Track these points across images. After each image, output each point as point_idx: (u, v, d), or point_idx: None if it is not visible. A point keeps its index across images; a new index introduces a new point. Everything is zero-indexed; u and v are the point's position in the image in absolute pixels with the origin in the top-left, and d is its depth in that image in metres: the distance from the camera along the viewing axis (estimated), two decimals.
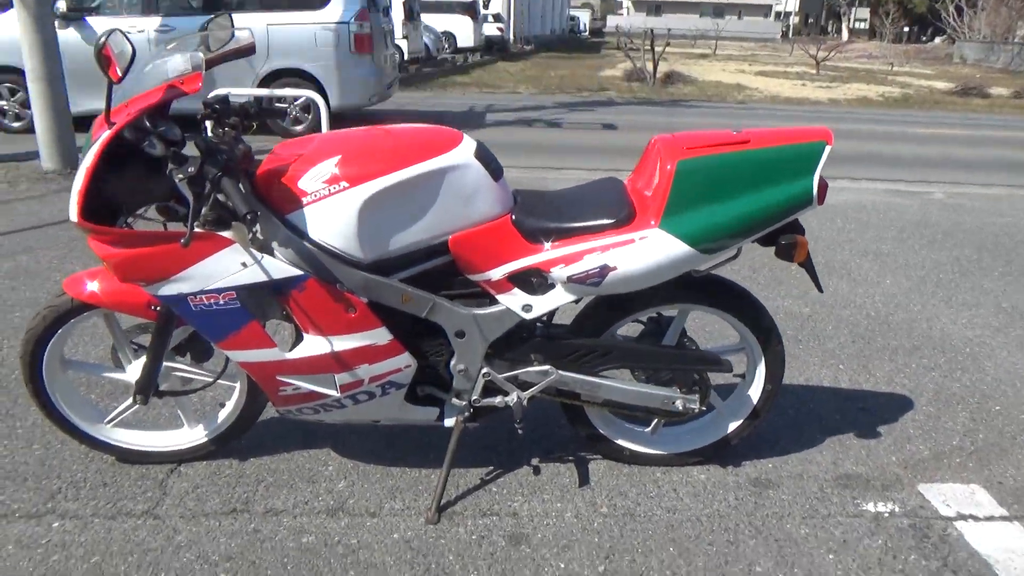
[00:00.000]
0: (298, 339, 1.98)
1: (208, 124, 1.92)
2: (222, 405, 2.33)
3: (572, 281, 1.92)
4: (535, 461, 2.36)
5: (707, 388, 2.16)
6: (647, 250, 1.86)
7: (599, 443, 2.31)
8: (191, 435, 2.31)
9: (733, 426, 2.29)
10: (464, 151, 1.89)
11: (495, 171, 1.94)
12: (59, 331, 2.06)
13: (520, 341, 2.08)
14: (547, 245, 1.93)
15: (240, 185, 1.78)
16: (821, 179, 1.89)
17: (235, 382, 2.23)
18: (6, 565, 1.87)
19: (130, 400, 2.16)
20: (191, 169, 1.70)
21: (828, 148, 1.88)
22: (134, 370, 2.16)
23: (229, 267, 1.82)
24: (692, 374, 2.14)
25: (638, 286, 1.92)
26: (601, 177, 2.16)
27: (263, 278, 1.83)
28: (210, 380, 2.19)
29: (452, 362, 2.07)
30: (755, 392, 2.26)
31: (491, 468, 2.32)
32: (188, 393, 2.21)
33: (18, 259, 4.11)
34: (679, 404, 2.14)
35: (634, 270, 1.88)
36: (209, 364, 2.22)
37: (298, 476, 2.26)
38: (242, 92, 6.75)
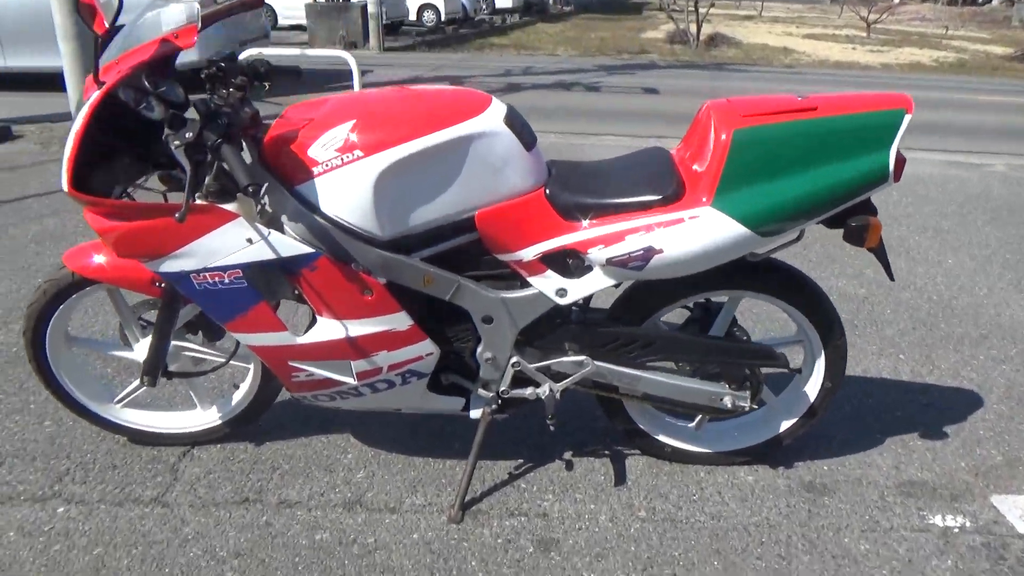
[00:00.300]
0: (312, 322, 1.82)
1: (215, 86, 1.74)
2: (236, 387, 2.19)
3: (612, 264, 1.72)
4: (568, 455, 2.19)
5: (759, 384, 1.96)
6: (697, 231, 1.65)
7: (638, 438, 2.13)
8: (204, 417, 2.18)
9: (786, 425, 2.09)
10: (493, 116, 1.69)
11: (527, 139, 1.74)
12: (60, 307, 1.93)
13: (553, 328, 1.89)
14: (585, 223, 1.73)
15: (244, 153, 1.61)
16: (898, 153, 1.65)
17: (249, 363, 2.09)
18: (6, 554, 1.77)
19: (138, 381, 2.04)
20: (189, 135, 1.53)
21: (908, 117, 1.64)
22: (142, 349, 2.03)
23: (234, 243, 1.66)
24: (743, 369, 1.94)
25: (686, 271, 1.72)
26: (645, 147, 1.95)
27: (271, 256, 1.67)
28: (222, 361, 2.05)
29: (479, 350, 1.90)
30: (812, 389, 2.05)
31: (520, 461, 2.16)
32: (199, 375, 2.08)
33: (45, 223, 4.03)
34: (727, 401, 1.94)
35: (682, 254, 1.67)
36: (222, 343, 2.08)
37: (315, 464, 2.12)
38: (275, 53, 6.58)
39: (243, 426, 2.18)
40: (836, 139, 1.62)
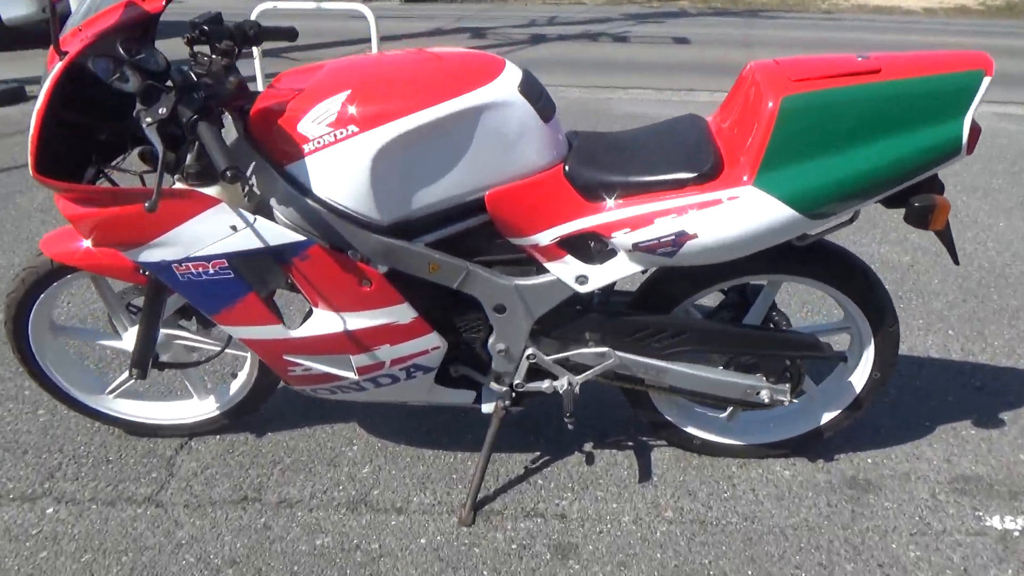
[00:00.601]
0: (308, 313, 1.67)
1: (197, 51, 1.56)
2: (234, 376, 2.07)
3: (639, 250, 1.53)
4: (588, 447, 2.04)
5: (800, 376, 1.78)
6: (738, 214, 1.46)
7: (664, 430, 1.97)
8: (201, 408, 2.05)
9: (828, 416, 1.91)
10: (506, 84, 1.50)
11: (545, 110, 1.55)
12: (42, 295, 1.80)
13: (572, 316, 1.72)
14: (609, 203, 1.54)
15: (229, 130, 1.44)
16: (973, 122, 1.43)
17: (246, 351, 1.95)
18: None
19: (127, 373, 1.91)
20: (162, 111, 1.36)
21: (987, 80, 1.42)
22: (131, 337, 1.90)
23: (217, 231, 1.50)
24: (783, 360, 1.75)
25: (722, 258, 1.53)
26: (679, 115, 1.74)
27: (258, 244, 1.51)
28: (218, 349, 1.91)
29: (491, 341, 1.73)
30: (858, 379, 1.86)
31: (536, 455, 2.01)
32: (193, 366, 1.94)
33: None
34: (765, 395, 1.77)
35: (719, 239, 1.48)
36: (217, 331, 1.94)
37: (318, 457, 1.99)
38: (290, 6, 6.33)
39: (242, 416, 2.05)
40: (902, 106, 1.40)
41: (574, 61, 7.53)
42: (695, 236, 1.48)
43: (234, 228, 1.49)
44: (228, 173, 1.29)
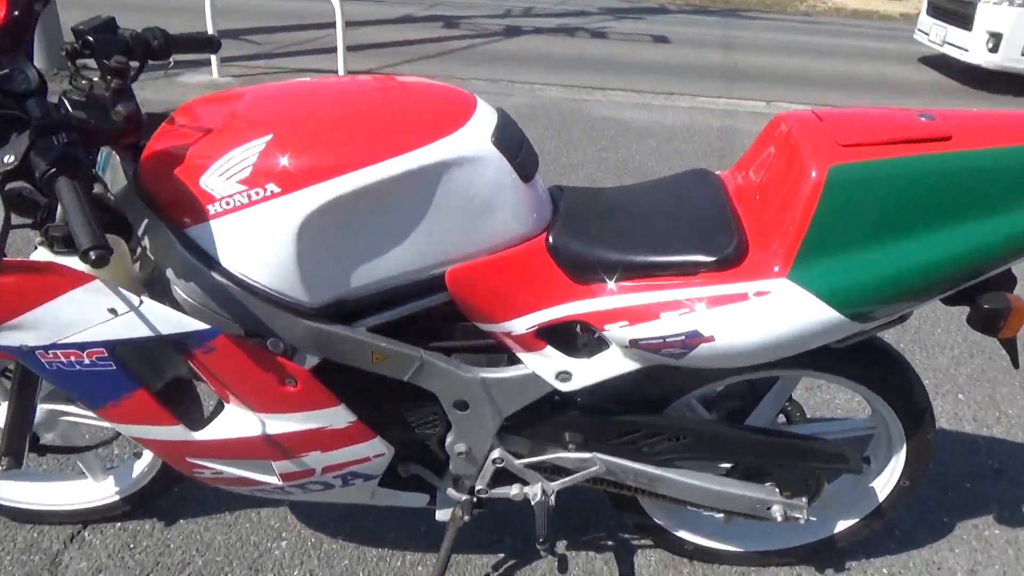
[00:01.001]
0: (217, 408, 1.32)
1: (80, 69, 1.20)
2: (137, 455, 1.71)
3: (638, 347, 1.22)
4: (561, 548, 1.73)
5: (819, 487, 1.48)
6: (766, 314, 1.15)
7: (652, 533, 1.66)
8: (97, 491, 1.70)
9: (843, 525, 1.63)
10: (476, 133, 1.17)
11: (525, 165, 1.22)
12: None
13: (548, 413, 1.40)
14: (602, 286, 1.22)
15: (110, 173, 1.09)
16: None
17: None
18: None
19: None
20: (9, 159, 1.00)
21: None
22: (3, 413, 1.53)
23: (90, 315, 1.14)
24: (801, 471, 1.46)
25: (741, 364, 1.22)
26: (687, 170, 1.42)
27: (146, 333, 1.15)
28: (114, 432, 1.56)
29: (449, 439, 1.41)
30: (883, 487, 1.57)
31: (500, 558, 1.69)
32: (83, 450, 1.58)
33: None
34: (777, 512, 1.47)
35: (741, 344, 1.17)
36: None
37: (238, 558, 1.65)
38: None
39: (148, 503, 1.70)
40: (979, 184, 1.11)
41: (550, 56, 7.19)
42: (711, 339, 1.17)
43: (113, 312, 1.14)
44: (91, 254, 0.93)
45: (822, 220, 1.12)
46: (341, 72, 5.62)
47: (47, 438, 1.56)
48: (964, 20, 6.84)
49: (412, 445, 1.43)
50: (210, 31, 5.49)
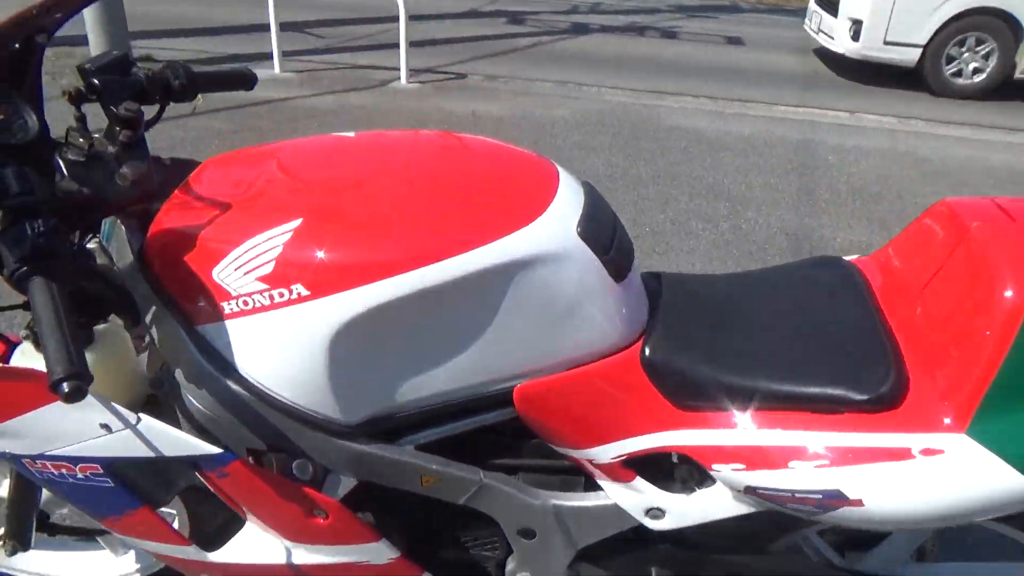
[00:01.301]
0: (235, 523, 1.11)
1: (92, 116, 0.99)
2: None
3: (756, 495, 0.96)
4: None
5: None
6: (938, 480, 0.87)
7: None
8: (117, 567, 1.51)
9: None
10: (558, 222, 0.92)
11: (618, 261, 0.97)
12: None
13: (629, 544, 1.15)
14: (722, 413, 0.96)
15: (114, 244, 0.89)
16: None
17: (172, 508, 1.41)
18: None
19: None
20: None
21: None
22: (5, 491, 1.36)
23: (80, 429, 0.94)
24: None
25: (895, 529, 0.95)
26: (818, 256, 1.15)
27: (146, 453, 0.94)
28: None
29: (510, 567, 1.17)
30: None
31: None
32: (96, 534, 1.40)
33: None
34: None
35: (899, 512, 0.90)
36: None
37: None
38: None
39: None
40: None
41: (618, 57, 6.87)
42: (858, 503, 0.90)
43: (107, 428, 0.93)
44: (64, 386, 0.72)
45: (1019, 361, 0.84)
46: (403, 70, 5.43)
47: (57, 514, 1.38)
48: (833, 6, 6.34)
49: (465, 566, 1.20)
50: (272, 24, 5.36)
